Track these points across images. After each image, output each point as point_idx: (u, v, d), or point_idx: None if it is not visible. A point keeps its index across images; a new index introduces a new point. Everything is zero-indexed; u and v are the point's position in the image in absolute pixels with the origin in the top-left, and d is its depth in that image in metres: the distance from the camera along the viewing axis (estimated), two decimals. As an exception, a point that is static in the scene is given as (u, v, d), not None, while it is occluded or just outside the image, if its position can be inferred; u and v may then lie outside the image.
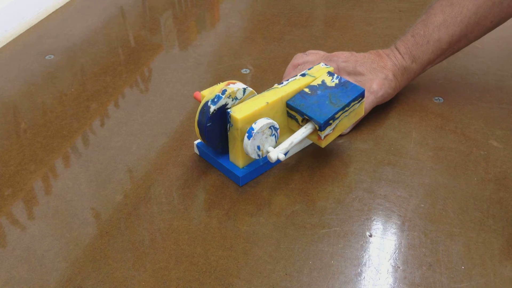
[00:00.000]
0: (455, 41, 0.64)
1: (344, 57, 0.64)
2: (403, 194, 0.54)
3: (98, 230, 0.51)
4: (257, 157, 0.53)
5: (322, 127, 0.53)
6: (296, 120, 0.56)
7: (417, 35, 0.64)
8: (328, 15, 0.93)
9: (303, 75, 0.58)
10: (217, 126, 0.54)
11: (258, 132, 0.52)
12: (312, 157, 0.59)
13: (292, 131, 0.57)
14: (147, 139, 0.63)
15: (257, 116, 0.53)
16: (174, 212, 0.53)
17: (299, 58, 0.68)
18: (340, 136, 0.62)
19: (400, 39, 0.65)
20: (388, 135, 0.62)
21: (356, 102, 0.56)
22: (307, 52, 0.68)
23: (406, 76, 0.65)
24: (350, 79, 0.63)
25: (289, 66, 0.68)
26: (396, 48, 0.65)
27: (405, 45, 0.64)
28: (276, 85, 0.57)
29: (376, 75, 0.62)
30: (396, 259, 0.47)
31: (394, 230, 0.50)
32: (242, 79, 0.74)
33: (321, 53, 0.68)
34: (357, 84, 0.62)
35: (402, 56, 0.64)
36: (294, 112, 0.55)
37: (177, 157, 0.60)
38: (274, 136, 0.54)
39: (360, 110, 0.58)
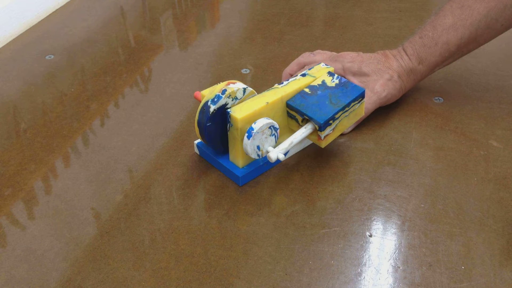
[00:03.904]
0: (464, 44, 0.63)
1: (350, 58, 0.64)
2: (403, 194, 0.54)
3: (98, 230, 0.51)
4: (257, 157, 0.53)
5: (322, 127, 0.53)
6: (296, 120, 0.56)
7: (425, 37, 0.63)
8: (328, 15, 0.93)
9: (303, 75, 0.58)
10: (217, 126, 0.54)
11: (258, 132, 0.52)
12: (312, 157, 0.59)
13: (292, 131, 0.57)
14: (147, 139, 0.63)
15: (257, 116, 0.53)
16: (174, 212, 0.53)
17: (306, 57, 0.67)
18: (341, 135, 0.62)
19: (408, 40, 0.65)
20: (388, 135, 0.62)
21: (356, 102, 0.56)
22: (315, 52, 0.68)
23: (413, 77, 0.64)
24: (355, 80, 0.62)
25: (294, 62, 0.68)
26: (403, 49, 0.64)
27: (412, 46, 0.64)
28: (276, 85, 0.57)
29: (380, 76, 0.62)
30: (396, 259, 0.47)
31: (394, 230, 0.50)
32: (242, 79, 0.74)
33: (329, 53, 0.67)
34: (362, 84, 0.62)
35: (409, 58, 0.63)
36: (294, 112, 0.55)
37: (177, 157, 0.60)
38: (274, 136, 0.54)
39: (360, 110, 0.58)
